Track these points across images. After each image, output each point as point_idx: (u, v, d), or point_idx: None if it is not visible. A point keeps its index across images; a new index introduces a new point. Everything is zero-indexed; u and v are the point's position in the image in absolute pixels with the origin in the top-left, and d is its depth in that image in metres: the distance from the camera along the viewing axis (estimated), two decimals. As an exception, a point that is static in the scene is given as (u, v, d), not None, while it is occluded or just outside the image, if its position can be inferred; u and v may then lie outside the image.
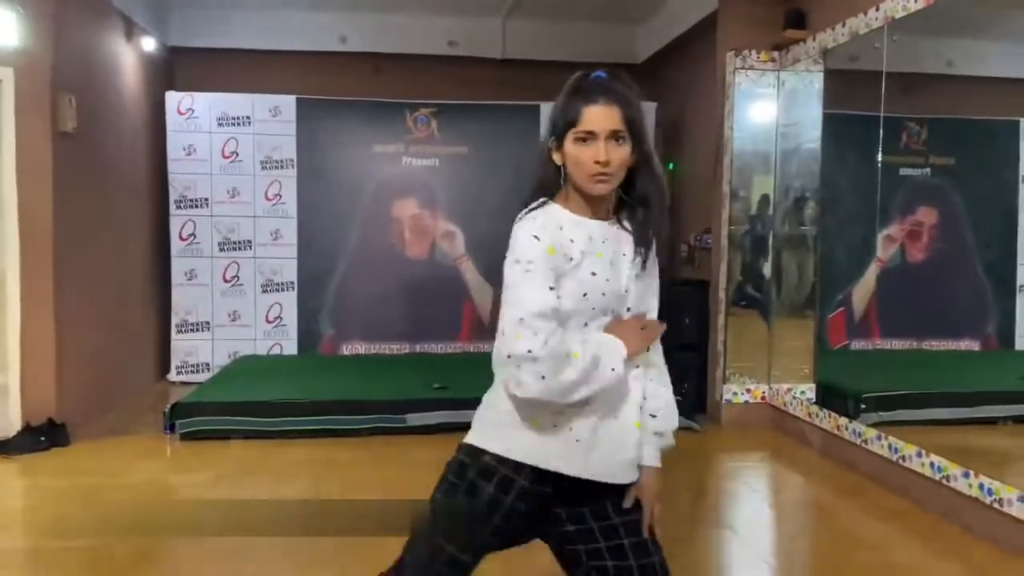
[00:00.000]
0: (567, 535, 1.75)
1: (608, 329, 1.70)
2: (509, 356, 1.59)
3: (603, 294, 1.69)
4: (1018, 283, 5.48)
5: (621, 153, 1.68)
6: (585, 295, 1.67)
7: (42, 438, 4.53)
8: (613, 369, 1.65)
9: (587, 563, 1.73)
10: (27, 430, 4.57)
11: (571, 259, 1.67)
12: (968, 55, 5.25)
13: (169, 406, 4.92)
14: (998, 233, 5.49)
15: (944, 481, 3.60)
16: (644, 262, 1.76)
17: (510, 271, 1.66)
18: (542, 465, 1.67)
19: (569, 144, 1.69)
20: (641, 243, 1.74)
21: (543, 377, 1.58)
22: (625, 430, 1.74)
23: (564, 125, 1.69)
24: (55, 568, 3.08)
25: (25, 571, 3.09)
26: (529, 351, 1.57)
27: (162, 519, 3.70)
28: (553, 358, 1.58)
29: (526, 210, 1.72)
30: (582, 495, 1.72)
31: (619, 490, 1.76)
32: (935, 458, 3.69)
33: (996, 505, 3.28)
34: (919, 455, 3.79)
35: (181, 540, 3.41)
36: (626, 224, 1.76)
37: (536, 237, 1.65)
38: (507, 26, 7.20)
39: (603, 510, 1.74)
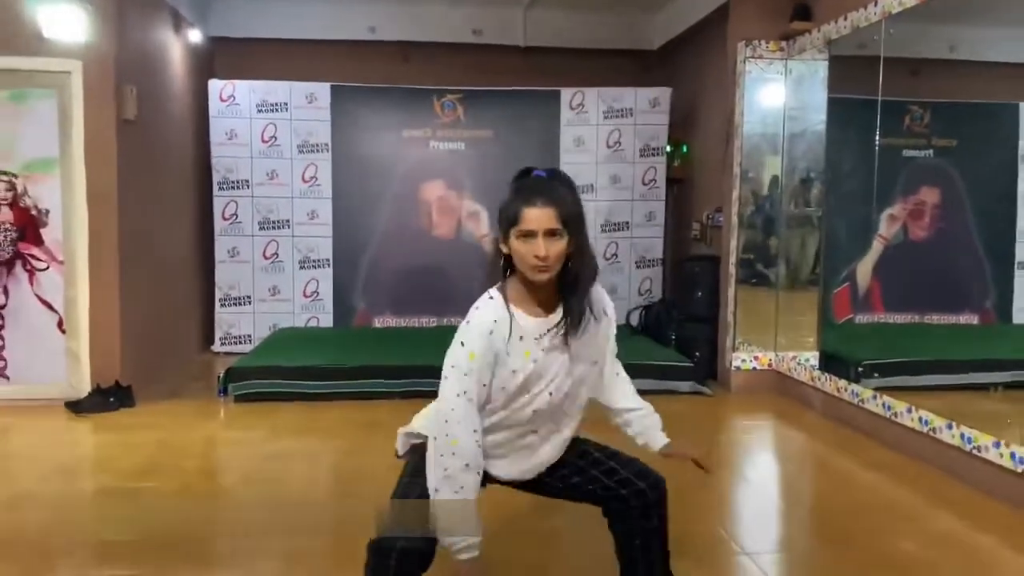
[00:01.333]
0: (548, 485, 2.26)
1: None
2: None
3: (532, 371, 2.02)
4: (1017, 260, 5.75)
5: (557, 247, 1.95)
6: (514, 371, 2.01)
7: (111, 399, 4.99)
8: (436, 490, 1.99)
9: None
10: (97, 391, 5.02)
11: (501, 354, 2.00)
12: (969, 40, 5.46)
13: (223, 371, 5.36)
14: (998, 212, 5.71)
15: (930, 433, 4.00)
16: (578, 331, 2.04)
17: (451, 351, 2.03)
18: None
19: (513, 239, 1.98)
20: (570, 316, 2.03)
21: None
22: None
23: (507, 223, 1.99)
24: (137, 502, 3.54)
25: (119, 504, 3.54)
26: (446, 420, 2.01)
27: (224, 471, 4.15)
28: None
29: (484, 297, 2.05)
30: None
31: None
32: (923, 412, 4.08)
33: (974, 452, 3.67)
34: (909, 411, 4.18)
35: (241, 487, 3.86)
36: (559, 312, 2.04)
37: (462, 343, 2.00)
38: (528, 15, 7.54)
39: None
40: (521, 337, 2.02)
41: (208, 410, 5.16)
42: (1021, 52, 5.08)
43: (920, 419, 4.09)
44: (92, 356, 5.13)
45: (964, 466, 3.77)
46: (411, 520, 2.01)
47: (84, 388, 5.08)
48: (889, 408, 4.34)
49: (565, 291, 2.04)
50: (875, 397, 4.49)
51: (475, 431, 2.01)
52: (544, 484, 2.26)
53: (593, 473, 2.23)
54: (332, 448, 4.45)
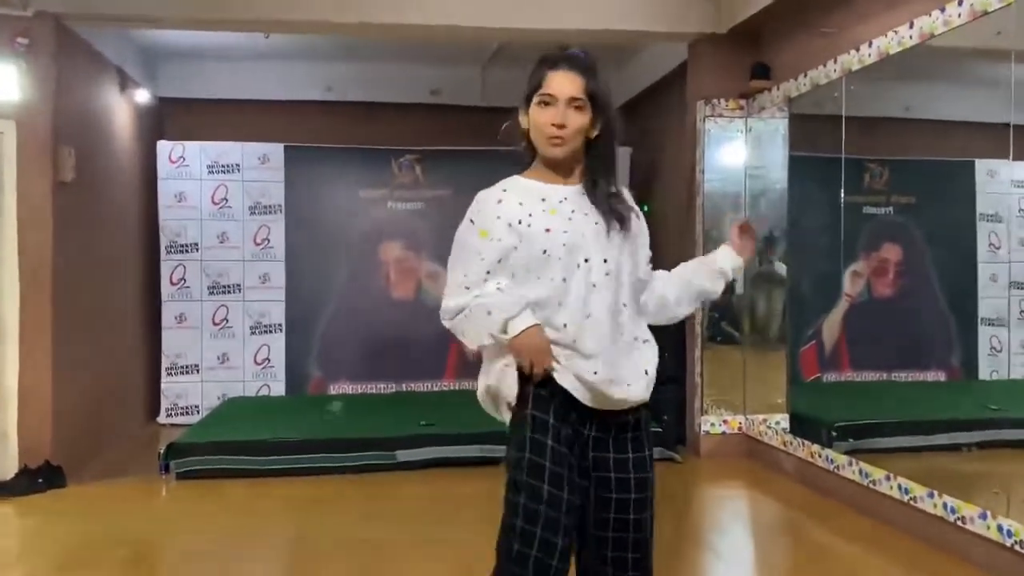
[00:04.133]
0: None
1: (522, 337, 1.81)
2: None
3: (563, 244, 1.82)
4: (980, 316, 5.75)
5: (578, 120, 1.81)
6: (545, 251, 1.81)
7: (40, 480, 4.63)
8: (490, 331, 1.83)
9: None
10: (24, 472, 4.66)
11: (517, 222, 1.83)
12: (924, 99, 5.51)
13: (164, 447, 5.03)
14: (958, 268, 5.68)
15: (911, 502, 3.81)
16: (618, 224, 1.87)
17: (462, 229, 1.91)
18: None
19: (533, 108, 1.85)
20: (604, 212, 1.86)
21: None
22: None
23: (530, 90, 1.86)
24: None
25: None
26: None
27: (161, 558, 3.81)
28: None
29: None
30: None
31: None
32: (902, 480, 3.90)
33: (959, 523, 3.49)
34: (888, 478, 4.00)
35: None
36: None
37: (471, 221, 1.88)
38: (487, 75, 7.48)
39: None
40: (543, 199, 1.85)
41: (147, 490, 4.81)
42: (973, 111, 5.14)
43: (900, 487, 3.91)
44: (20, 433, 4.77)
45: (948, 538, 3.57)
46: None
47: (11, 468, 4.71)
48: (867, 476, 4.16)
49: (590, 164, 1.89)
50: (851, 463, 4.31)
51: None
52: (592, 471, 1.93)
53: (612, 535, 1.92)
54: (278, 531, 4.13)
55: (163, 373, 6.64)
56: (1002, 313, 5.66)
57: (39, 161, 4.78)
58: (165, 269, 6.62)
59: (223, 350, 6.71)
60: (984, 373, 5.58)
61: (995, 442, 4.47)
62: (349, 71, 7.25)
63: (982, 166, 5.58)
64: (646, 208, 7.17)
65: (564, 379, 1.83)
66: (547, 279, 1.82)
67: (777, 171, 5.34)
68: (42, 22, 4.78)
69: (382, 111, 7.34)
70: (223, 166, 6.69)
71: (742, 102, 5.43)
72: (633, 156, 7.08)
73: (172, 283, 6.64)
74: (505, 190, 1.88)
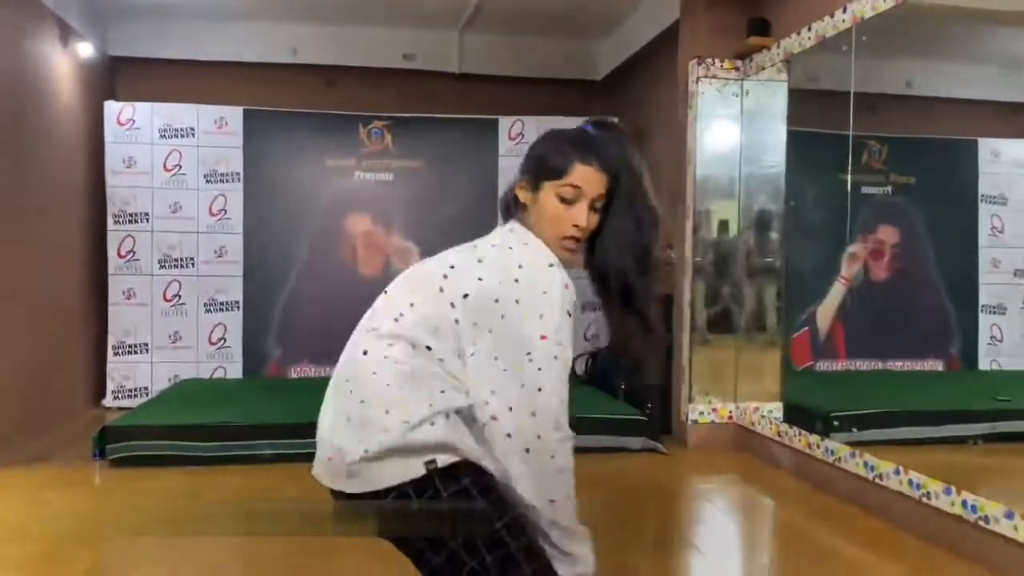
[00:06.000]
0: None
1: None
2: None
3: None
4: (980, 302, 5.46)
5: (594, 221, 1.62)
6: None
7: (-45, 465, 4.16)
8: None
9: None
10: (-62, 458, 4.19)
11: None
12: (927, 75, 5.29)
13: (97, 430, 4.57)
14: (959, 252, 5.50)
15: (924, 499, 3.41)
16: None
17: (559, 318, 1.54)
18: None
19: (546, 194, 1.60)
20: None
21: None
22: None
23: (546, 172, 1.60)
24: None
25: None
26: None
27: (82, 549, 3.35)
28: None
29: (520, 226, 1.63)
30: None
31: None
32: (914, 475, 3.50)
33: (982, 523, 3.09)
34: (896, 472, 3.60)
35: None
36: None
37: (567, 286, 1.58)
38: (464, 40, 7.05)
39: None
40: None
41: (76, 478, 4.34)
42: (978, 88, 4.98)
43: (911, 482, 3.51)
44: (-62, 415, 4.31)
45: (967, 538, 3.18)
46: None
47: (-76, 452, 4.24)
48: (872, 468, 3.76)
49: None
50: (854, 455, 3.92)
51: None
52: None
53: None
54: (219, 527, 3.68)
55: (109, 352, 6.16)
56: (1004, 301, 5.44)
57: (-42, 114, 4.29)
58: (112, 240, 6.13)
59: (175, 328, 6.24)
60: (984, 363, 5.41)
61: (1002, 435, 4.26)
62: (316, 33, 6.80)
63: (986, 145, 5.41)
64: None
65: None
66: None
67: (773, 146, 4.99)
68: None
69: (351, 75, 6.90)
70: (176, 130, 6.21)
71: (738, 62, 5.01)
72: (621, 124, 6.67)
73: (120, 256, 6.15)
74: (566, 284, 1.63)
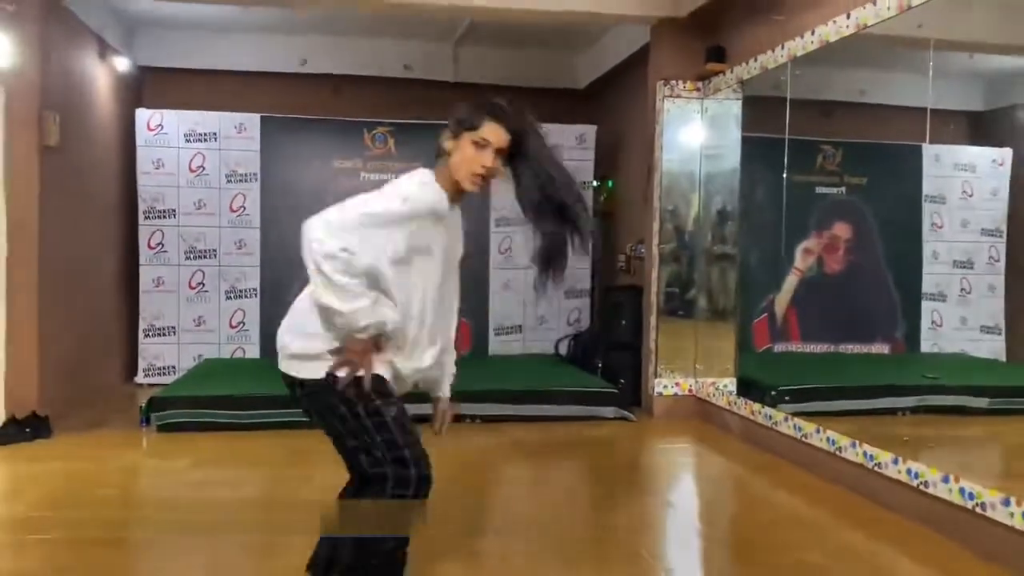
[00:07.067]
0: None
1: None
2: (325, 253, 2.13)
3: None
4: (923, 291, 6.10)
5: (498, 167, 2.21)
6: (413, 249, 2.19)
7: (27, 429, 4.86)
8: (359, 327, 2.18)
9: None
10: (12, 421, 4.89)
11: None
12: (878, 85, 5.83)
13: (146, 400, 5.27)
14: (905, 246, 6.02)
15: (836, 452, 4.19)
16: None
17: (390, 199, 2.18)
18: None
19: (465, 142, 2.18)
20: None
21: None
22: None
23: (467, 124, 2.19)
24: (43, 543, 3.47)
25: (22, 536, 3.46)
26: (343, 248, 2.10)
27: (142, 501, 4.09)
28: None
29: (429, 170, 2.25)
30: None
31: None
32: (830, 433, 4.28)
33: (876, 468, 3.87)
34: (817, 431, 4.38)
35: (158, 519, 3.82)
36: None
37: (405, 199, 2.17)
38: (459, 52, 7.70)
39: None
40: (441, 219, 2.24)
41: (129, 440, 5.06)
42: (923, 97, 5.48)
43: (828, 439, 4.29)
44: (7, 385, 5.01)
45: (867, 483, 3.96)
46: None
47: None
48: (800, 429, 4.54)
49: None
50: (787, 419, 4.69)
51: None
52: None
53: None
54: (257, 477, 4.43)
55: (140, 335, 6.84)
56: (943, 289, 6.03)
57: (26, 126, 4.97)
58: (143, 234, 6.80)
59: (199, 313, 6.92)
60: (925, 346, 5.97)
61: (928, 407, 4.74)
62: (324, 44, 7.44)
63: (929, 150, 5.88)
64: (611, 183, 7.50)
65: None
66: None
67: (731, 150, 5.60)
68: (27, -12, 4.94)
69: (356, 84, 7.55)
70: (200, 134, 6.87)
71: (699, 84, 5.74)
72: (598, 134, 7.38)
73: (150, 248, 6.83)
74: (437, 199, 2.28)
